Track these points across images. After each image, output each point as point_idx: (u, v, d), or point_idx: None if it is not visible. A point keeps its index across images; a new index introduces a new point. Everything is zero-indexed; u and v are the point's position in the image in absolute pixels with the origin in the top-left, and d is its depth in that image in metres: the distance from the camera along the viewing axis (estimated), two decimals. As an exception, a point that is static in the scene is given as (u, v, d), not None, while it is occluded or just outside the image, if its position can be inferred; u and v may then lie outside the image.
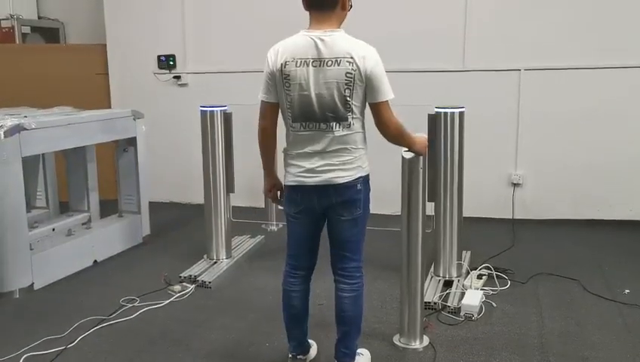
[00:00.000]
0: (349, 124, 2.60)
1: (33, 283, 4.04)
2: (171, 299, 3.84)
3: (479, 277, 4.00)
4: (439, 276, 4.04)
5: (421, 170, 2.98)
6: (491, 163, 5.54)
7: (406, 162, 2.98)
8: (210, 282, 4.08)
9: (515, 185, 5.56)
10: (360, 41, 2.59)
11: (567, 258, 4.55)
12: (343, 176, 2.63)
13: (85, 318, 3.53)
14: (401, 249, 3.13)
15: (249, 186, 5.83)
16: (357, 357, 2.94)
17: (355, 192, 2.65)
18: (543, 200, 5.53)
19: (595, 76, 5.24)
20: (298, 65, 2.55)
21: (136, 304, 3.77)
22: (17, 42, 6.61)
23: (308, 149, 2.63)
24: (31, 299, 3.92)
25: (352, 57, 2.52)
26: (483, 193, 5.49)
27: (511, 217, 5.55)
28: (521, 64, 5.36)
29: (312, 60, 2.55)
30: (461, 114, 3.88)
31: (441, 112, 3.87)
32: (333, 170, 2.62)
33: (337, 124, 2.58)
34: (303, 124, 2.61)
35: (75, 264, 4.40)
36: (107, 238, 4.74)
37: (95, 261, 4.58)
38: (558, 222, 5.42)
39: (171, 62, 6.25)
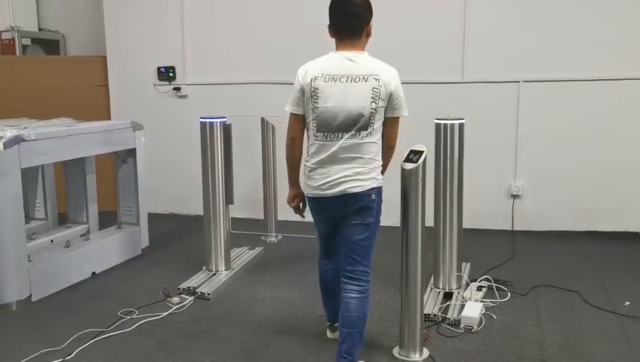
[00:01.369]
0: (368, 134, 2.84)
1: (31, 295, 4.02)
2: (170, 311, 3.82)
3: (479, 288, 3.99)
4: (439, 288, 4.03)
5: (420, 181, 2.99)
6: (491, 174, 5.55)
7: (405, 173, 2.98)
8: (209, 294, 4.07)
9: (514, 196, 5.56)
10: (384, 63, 2.88)
11: (567, 270, 4.54)
12: (358, 186, 2.85)
13: (83, 330, 3.51)
14: (401, 261, 3.12)
15: (248, 198, 5.84)
16: None
17: (370, 201, 2.84)
18: (542, 211, 5.53)
19: (594, 88, 5.26)
20: (326, 80, 2.82)
21: (134, 316, 3.75)
22: (18, 54, 6.62)
23: (327, 157, 2.87)
24: (29, 311, 3.90)
25: (378, 76, 2.80)
26: (482, 204, 5.50)
27: (510, 229, 5.54)
28: (519, 76, 5.38)
29: (340, 76, 2.82)
30: (461, 125, 3.89)
31: (440, 124, 3.88)
32: (350, 181, 2.85)
33: (357, 134, 2.83)
34: (326, 133, 2.86)
35: (74, 276, 4.39)
36: (106, 250, 4.73)
37: (93, 273, 4.56)
38: (558, 234, 5.42)
39: (171, 74, 6.27)
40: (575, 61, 5.28)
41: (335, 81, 2.82)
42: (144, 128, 5.05)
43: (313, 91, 2.83)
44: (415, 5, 5.47)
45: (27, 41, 6.81)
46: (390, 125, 2.90)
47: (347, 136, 2.83)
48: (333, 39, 2.92)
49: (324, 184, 2.89)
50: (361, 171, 2.85)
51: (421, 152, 3.03)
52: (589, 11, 5.21)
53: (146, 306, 3.89)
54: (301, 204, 3.14)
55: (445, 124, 3.87)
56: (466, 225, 4.11)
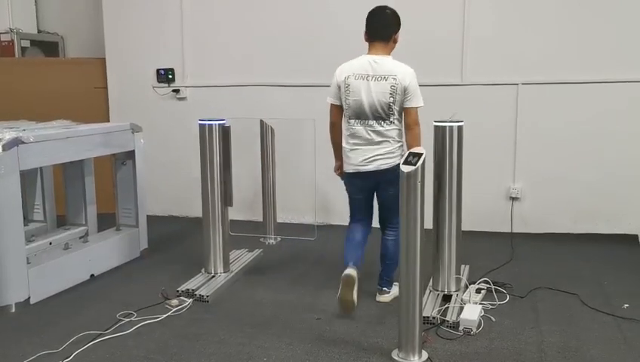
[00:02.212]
0: (390, 122, 3.68)
1: (29, 298, 4.01)
2: (169, 314, 3.82)
3: (478, 291, 3.99)
4: (438, 290, 4.03)
5: (419, 184, 2.99)
6: (489, 177, 5.55)
7: (404, 176, 2.99)
8: (207, 296, 4.06)
9: (513, 198, 5.56)
10: (403, 64, 3.68)
11: (566, 272, 4.54)
12: (387, 163, 3.69)
13: (82, 333, 3.51)
14: (400, 263, 3.12)
15: (247, 200, 5.84)
16: (393, 286, 3.98)
17: (396, 174, 3.18)
18: (541, 213, 5.53)
19: (593, 90, 5.27)
20: (356, 78, 3.66)
21: (133, 318, 3.74)
22: (17, 56, 6.62)
23: (360, 140, 3.71)
24: (27, 314, 3.89)
25: (396, 76, 3.61)
26: (481, 207, 5.50)
27: (509, 231, 5.54)
28: (518, 78, 5.38)
29: (367, 75, 3.65)
30: (460, 128, 3.89)
31: (439, 126, 3.88)
32: (381, 159, 3.69)
33: (382, 121, 3.67)
34: (357, 120, 3.70)
35: (72, 278, 4.38)
36: (104, 252, 4.73)
37: (92, 275, 4.56)
38: (557, 236, 5.42)
39: (170, 76, 6.27)
40: (574, 63, 5.29)
41: (363, 79, 3.64)
42: (143, 130, 5.05)
43: (346, 87, 3.68)
44: (414, 8, 5.46)
45: (26, 43, 6.81)
46: (407, 113, 3.68)
47: (373, 122, 3.67)
48: (364, 42, 3.74)
49: (361, 161, 3.72)
50: (389, 150, 3.69)
51: (420, 155, 3.04)
52: (588, 13, 5.22)
53: (144, 308, 3.89)
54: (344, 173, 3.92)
55: (444, 127, 3.87)
56: (464, 227, 4.10)
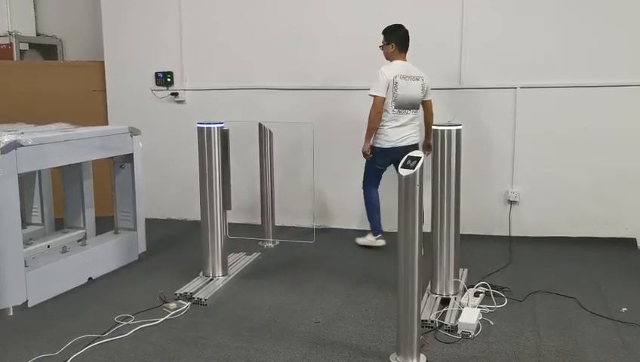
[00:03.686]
0: (418, 111, 5.03)
1: (27, 301, 4.01)
2: (167, 317, 3.81)
3: (476, 294, 3.99)
4: (436, 294, 4.03)
5: (417, 187, 2.99)
6: (488, 180, 5.56)
7: (403, 179, 2.99)
8: (206, 299, 4.06)
9: (511, 202, 5.57)
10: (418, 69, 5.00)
11: (564, 276, 4.54)
12: (415, 140, 5.04)
13: (79, 336, 3.50)
14: (398, 266, 3.12)
15: (246, 203, 5.84)
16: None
17: (418, 147, 4.97)
18: (539, 217, 5.53)
19: (591, 94, 5.28)
20: (401, 78, 4.86)
21: (130, 322, 3.74)
22: (15, 59, 6.63)
23: (400, 123, 4.92)
24: (25, 317, 3.89)
25: (423, 77, 4.98)
26: (480, 210, 5.51)
27: (507, 235, 5.55)
28: (517, 82, 5.39)
29: (407, 76, 4.89)
30: (458, 131, 3.89)
31: (438, 130, 3.88)
32: (411, 137, 4.99)
33: (415, 110, 4.99)
34: (401, 110, 4.91)
35: (70, 281, 4.37)
36: (102, 255, 4.72)
37: (90, 278, 4.55)
38: (555, 240, 5.42)
39: (169, 79, 6.28)
40: (572, 68, 5.30)
41: (405, 79, 4.87)
42: (142, 133, 5.05)
43: (395, 84, 4.82)
44: (413, 11, 5.48)
45: (25, 46, 6.82)
46: (429, 106, 5.09)
47: (410, 111, 4.94)
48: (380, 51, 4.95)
49: (398, 139, 4.92)
50: (416, 131, 5.03)
51: (418, 158, 3.04)
52: (586, 17, 5.23)
53: (142, 312, 3.88)
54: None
55: (443, 130, 3.88)
56: (463, 230, 4.10)
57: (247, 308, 4.00)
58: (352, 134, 5.31)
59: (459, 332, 3.50)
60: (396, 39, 4.89)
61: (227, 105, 5.98)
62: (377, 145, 4.95)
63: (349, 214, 5.83)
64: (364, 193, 5.20)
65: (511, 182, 5.56)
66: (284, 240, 5.47)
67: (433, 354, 3.27)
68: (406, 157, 3.12)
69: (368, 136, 4.93)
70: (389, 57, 4.94)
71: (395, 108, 4.84)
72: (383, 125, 4.88)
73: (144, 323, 3.71)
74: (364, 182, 5.21)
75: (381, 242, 5.19)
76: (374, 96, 4.82)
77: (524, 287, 4.22)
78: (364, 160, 5.09)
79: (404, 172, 2.99)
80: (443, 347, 3.37)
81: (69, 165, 4.71)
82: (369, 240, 5.24)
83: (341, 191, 5.83)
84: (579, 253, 5.12)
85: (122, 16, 6.37)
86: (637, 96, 5.21)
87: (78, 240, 4.86)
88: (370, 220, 5.24)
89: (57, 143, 4.26)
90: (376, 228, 5.22)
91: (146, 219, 5.16)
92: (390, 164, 4.98)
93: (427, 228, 3.55)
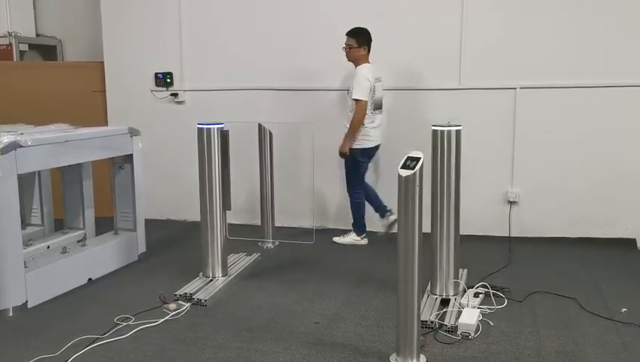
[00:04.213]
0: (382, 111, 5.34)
1: (27, 301, 4.01)
2: (166, 318, 3.81)
3: (476, 295, 3.99)
4: (436, 294, 4.03)
5: (417, 188, 2.99)
6: (487, 181, 5.56)
7: (402, 180, 2.99)
8: (205, 300, 4.06)
9: (511, 203, 5.57)
10: None
11: (564, 276, 4.54)
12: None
13: (79, 337, 3.50)
14: (398, 267, 3.12)
15: (245, 204, 5.84)
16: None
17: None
18: (539, 218, 5.53)
19: (591, 95, 5.28)
20: (376, 81, 5.13)
21: (130, 322, 3.74)
22: (15, 59, 6.62)
23: (376, 124, 5.21)
24: (24, 318, 3.89)
25: (382, 77, 5.24)
26: (479, 211, 5.50)
27: (507, 235, 5.55)
28: (516, 82, 5.39)
29: (377, 78, 5.15)
30: (458, 132, 3.89)
31: (438, 130, 3.88)
32: (381, 136, 5.31)
33: (381, 110, 5.26)
34: (375, 111, 5.17)
35: (70, 282, 4.37)
36: (102, 256, 4.72)
37: (90, 279, 4.55)
38: (555, 240, 5.42)
39: (168, 80, 6.28)
40: (572, 68, 5.30)
41: (378, 81, 5.15)
42: (141, 134, 5.05)
43: (374, 87, 5.07)
44: (413, 11, 5.49)
45: (24, 47, 6.82)
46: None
47: (380, 111, 5.24)
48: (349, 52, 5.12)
49: (377, 137, 5.25)
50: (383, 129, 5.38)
51: (418, 159, 3.04)
52: (586, 18, 5.23)
53: (142, 312, 3.88)
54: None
55: (442, 131, 3.88)
56: (462, 231, 4.10)
57: (246, 309, 4.00)
58: (352, 135, 5.30)
59: (459, 332, 3.50)
60: (366, 42, 5.10)
61: (227, 105, 5.97)
62: (359, 147, 5.16)
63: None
64: (352, 195, 5.38)
65: (511, 182, 5.56)
66: (283, 240, 5.47)
67: (433, 355, 3.27)
68: (406, 157, 3.12)
69: (350, 138, 5.11)
70: (358, 60, 5.10)
71: (373, 109, 5.13)
72: (365, 126, 5.10)
73: (144, 323, 3.71)
74: (350, 184, 5.37)
75: (365, 241, 5.45)
76: (360, 100, 4.99)
77: (524, 288, 4.22)
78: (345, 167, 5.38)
79: (403, 172, 2.98)
80: (443, 347, 3.37)
81: (69, 166, 4.71)
82: (353, 239, 5.46)
83: (341, 191, 5.83)
84: (579, 253, 5.12)
85: (122, 17, 6.37)
86: (637, 97, 5.21)
87: (78, 241, 4.86)
88: (356, 219, 5.45)
89: (57, 144, 4.26)
90: (360, 228, 5.45)
91: (145, 219, 5.16)
92: (370, 161, 5.36)
93: (427, 228, 3.55)
